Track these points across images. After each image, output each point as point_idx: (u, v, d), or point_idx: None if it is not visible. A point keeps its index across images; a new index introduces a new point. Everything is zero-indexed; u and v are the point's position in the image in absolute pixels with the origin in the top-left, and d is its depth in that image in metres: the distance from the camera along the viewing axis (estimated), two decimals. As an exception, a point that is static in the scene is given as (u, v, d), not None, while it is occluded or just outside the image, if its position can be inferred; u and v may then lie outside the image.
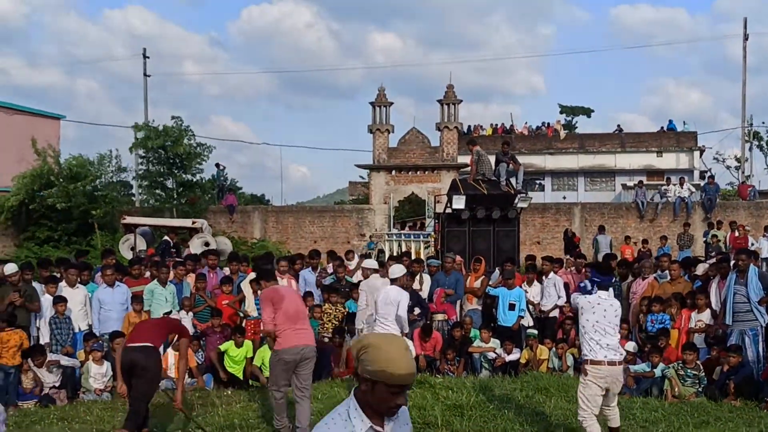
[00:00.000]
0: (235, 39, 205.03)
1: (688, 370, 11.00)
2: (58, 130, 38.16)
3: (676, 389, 10.90)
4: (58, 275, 13.20)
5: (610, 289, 8.44)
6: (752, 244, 23.28)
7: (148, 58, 44.47)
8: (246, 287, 13.01)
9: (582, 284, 7.83)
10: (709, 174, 38.78)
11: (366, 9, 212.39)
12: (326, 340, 12.98)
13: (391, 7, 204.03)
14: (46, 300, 12.32)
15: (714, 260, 13.82)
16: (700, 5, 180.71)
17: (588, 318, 7.86)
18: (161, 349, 9.36)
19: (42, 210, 28.32)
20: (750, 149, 44.49)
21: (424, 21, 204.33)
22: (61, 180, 28.28)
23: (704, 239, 26.28)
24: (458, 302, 14.28)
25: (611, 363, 7.81)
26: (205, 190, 33.03)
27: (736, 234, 24.63)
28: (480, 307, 14.23)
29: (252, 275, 12.94)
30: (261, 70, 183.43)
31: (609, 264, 8.57)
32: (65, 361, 11.79)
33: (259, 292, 12.71)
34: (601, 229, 27.37)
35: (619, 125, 50.32)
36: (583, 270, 14.28)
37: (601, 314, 7.84)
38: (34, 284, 12.60)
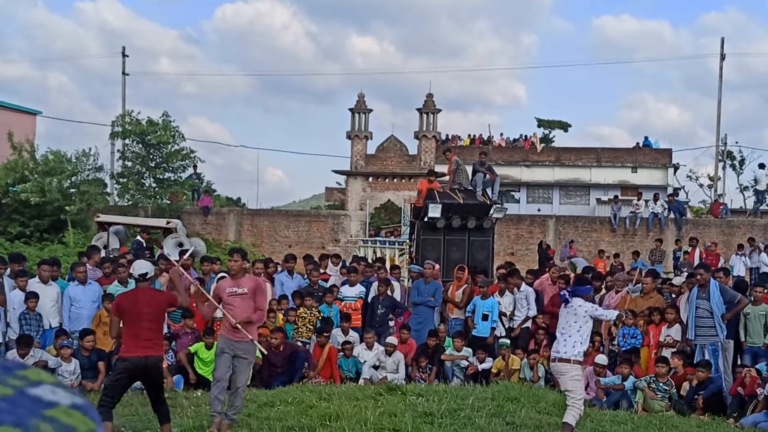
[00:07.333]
0: (210, 37, 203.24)
1: (660, 384, 11.06)
2: (34, 126, 37.85)
3: (652, 400, 10.96)
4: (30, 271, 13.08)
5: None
6: (723, 262, 23.47)
7: (127, 56, 44.14)
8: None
9: (561, 294, 8.26)
10: (672, 190, 38.94)
11: (344, 10, 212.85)
12: (299, 344, 13.03)
13: (371, 10, 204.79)
14: (16, 295, 12.19)
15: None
16: (685, 18, 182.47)
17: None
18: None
19: (15, 205, 28.00)
20: (723, 168, 44.91)
21: (404, 25, 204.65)
22: (36, 175, 27.96)
23: (673, 256, 26.36)
24: (437, 311, 14.33)
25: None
26: (184, 188, 32.82)
27: (698, 250, 24.74)
28: (463, 317, 14.26)
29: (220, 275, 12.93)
30: (237, 70, 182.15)
31: (586, 276, 9.00)
32: (48, 358, 11.58)
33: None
34: (570, 245, 27.30)
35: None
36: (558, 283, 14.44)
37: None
38: (4, 279, 12.46)
